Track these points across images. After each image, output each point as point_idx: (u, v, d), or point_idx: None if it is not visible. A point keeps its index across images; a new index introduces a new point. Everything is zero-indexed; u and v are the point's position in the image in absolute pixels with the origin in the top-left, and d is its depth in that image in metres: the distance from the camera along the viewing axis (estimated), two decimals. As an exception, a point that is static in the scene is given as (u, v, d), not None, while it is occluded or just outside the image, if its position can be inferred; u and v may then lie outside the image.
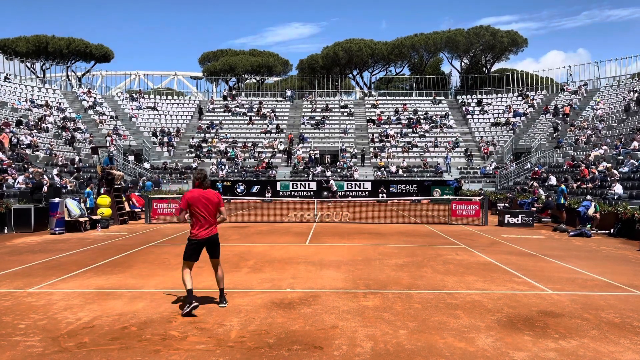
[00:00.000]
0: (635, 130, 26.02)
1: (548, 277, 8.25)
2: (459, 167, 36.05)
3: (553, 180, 23.29)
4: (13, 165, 20.65)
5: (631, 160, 20.29)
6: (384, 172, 35.47)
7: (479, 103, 45.88)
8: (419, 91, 52.79)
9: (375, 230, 15.26)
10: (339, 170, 35.89)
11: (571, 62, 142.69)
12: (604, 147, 25.41)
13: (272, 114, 44.70)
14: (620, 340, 5.07)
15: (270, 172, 35.19)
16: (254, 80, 64.33)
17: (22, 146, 25.04)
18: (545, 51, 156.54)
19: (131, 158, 34.69)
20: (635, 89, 35.07)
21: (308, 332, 5.25)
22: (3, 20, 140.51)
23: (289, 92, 48.74)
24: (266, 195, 31.91)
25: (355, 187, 33.38)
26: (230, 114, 45.34)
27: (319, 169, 35.83)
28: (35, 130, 30.27)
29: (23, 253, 10.78)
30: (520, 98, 45.38)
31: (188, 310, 5.77)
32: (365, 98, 51.60)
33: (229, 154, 37.74)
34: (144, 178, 31.04)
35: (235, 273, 8.46)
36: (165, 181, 32.78)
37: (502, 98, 46.66)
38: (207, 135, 41.17)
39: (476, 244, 12.36)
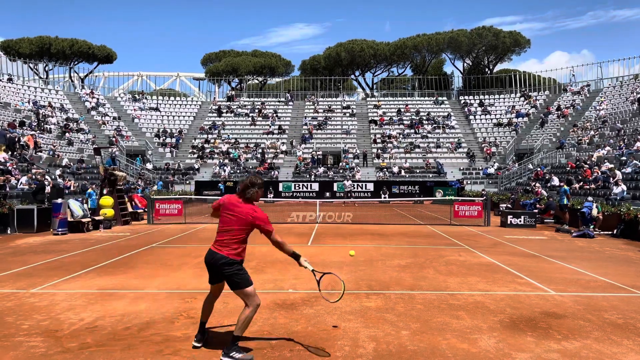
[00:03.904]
0: (638, 131, 25.95)
1: (551, 278, 8.23)
2: (462, 168, 36.00)
3: (555, 181, 23.24)
4: (16, 166, 20.71)
5: (634, 161, 20.21)
6: (386, 172, 35.46)
7: (481, 104, 45.82)
8: (421, 92, 52.77)
9: (377, 231, 15.24)
10: (341, 171, 35.88)
11: (575, 62, 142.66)
12: (607, 148, 25.34)
13: (275, 115, 44.74)
14: (623, 342, 5.05)
15: (273, 172, 35.20)
16: (256, 81, 64.37)
17: (25, 147, 25.08)
18: (549, 52, 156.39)
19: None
20: (638, 90, 34.96)
21: (310, 333, 5.25)
22: (6, 22, 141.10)
23: (288, 96, 48.86)
24: (268, 196, 31.91)
25: (357, 188, 33.36)
26: (232, 114, 45.40)
27: (321, 169, 35.84)
28: (38, 131, 30.36)
29: (26, 254, 10.81)
30: (522, 99, 45.31)
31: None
32: (368, 99, 51.59)
33: (231, 155, 37.78)
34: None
35: (238, 274, 8.45)
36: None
37: (504, 99, 46.60)
38: (210, 136, 41.22)
39: (478, 244, 12.33)
